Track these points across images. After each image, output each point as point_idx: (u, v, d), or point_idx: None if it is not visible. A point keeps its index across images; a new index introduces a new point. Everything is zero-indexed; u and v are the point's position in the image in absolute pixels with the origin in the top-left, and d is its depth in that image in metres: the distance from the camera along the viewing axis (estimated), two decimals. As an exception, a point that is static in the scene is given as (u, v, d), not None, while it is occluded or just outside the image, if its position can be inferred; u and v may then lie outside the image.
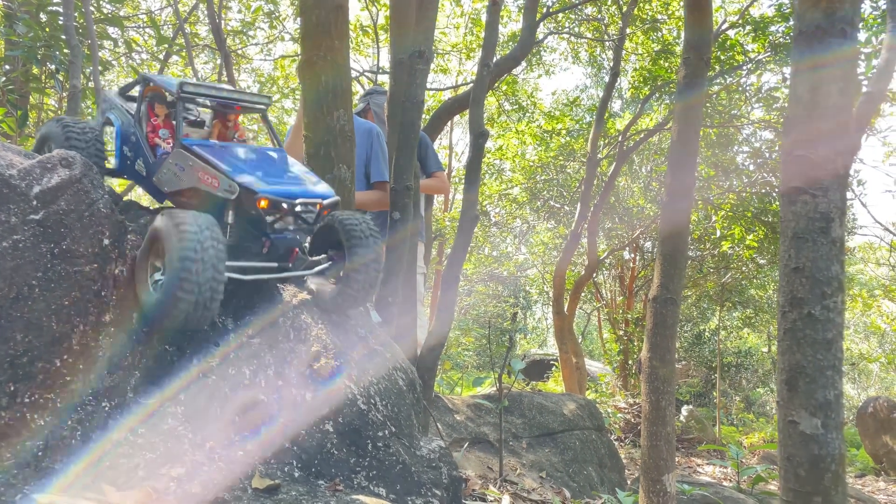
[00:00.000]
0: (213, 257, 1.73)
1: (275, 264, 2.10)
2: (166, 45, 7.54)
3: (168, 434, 1.73)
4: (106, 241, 1.76)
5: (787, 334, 1.79)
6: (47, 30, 6.06)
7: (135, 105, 2.40)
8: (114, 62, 8.90)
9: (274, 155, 2.20)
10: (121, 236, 1.81)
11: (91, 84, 6.31)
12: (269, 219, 1.95)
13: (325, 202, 2.04)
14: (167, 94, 2.31)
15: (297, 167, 2.19)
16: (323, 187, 2.09)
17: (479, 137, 3.94)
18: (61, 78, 6.30)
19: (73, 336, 1.65)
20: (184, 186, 2.08)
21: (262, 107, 2.28)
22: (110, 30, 7.57)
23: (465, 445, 4.32)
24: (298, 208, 1.97)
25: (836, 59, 1.75)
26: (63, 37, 5.31)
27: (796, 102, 1.82)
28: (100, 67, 6.82)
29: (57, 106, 7.99)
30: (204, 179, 1.99)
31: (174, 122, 2.27)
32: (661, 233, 3.29)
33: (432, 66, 12.20)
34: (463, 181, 4.30)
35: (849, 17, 1.75)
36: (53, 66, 6.25)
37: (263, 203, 1.90)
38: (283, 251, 2.08)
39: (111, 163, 2.41)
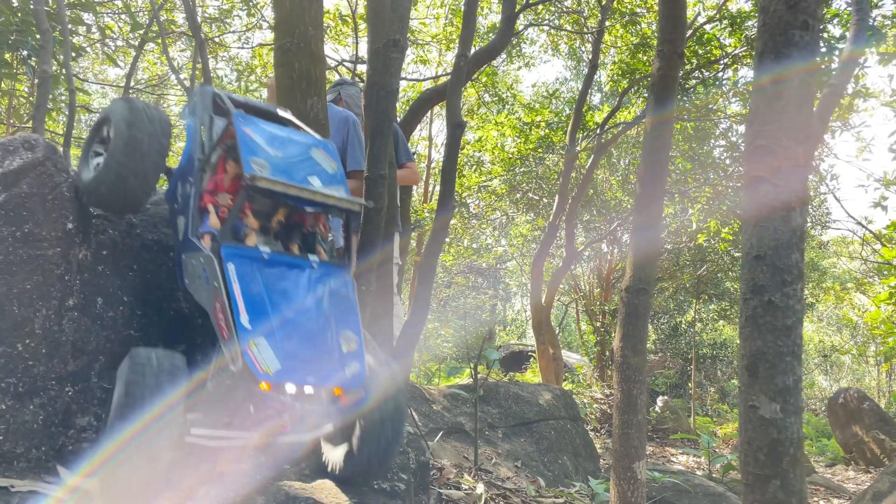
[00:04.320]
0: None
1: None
2: (141, 32, 7.43)
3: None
4: (70, 225, 1.74)
5: (748, 321, 1.83)
6: (19, 15, 5.95)
7: (217, 130, 2.00)
8: (88, 48, 8.75)
9: (327, 298, 1.76)
10: (85, 220, 1.79)
11: (64, 70, 6.20)
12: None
13: (351, 392, 1.68)
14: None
15: (343, 314, 1.77)
16: (356, 368, 1.70)
17: (456, 128, 3.94)
18: (33, 64, 6.19)
19: (36, 320, 1.64)
20: (199, 301, 1.77)
21: (354, 211, 1.91)
22: (84, 15, 7.45)
23: (440, 434, 4.34)
24: (314, 399, 1.62)
25: (798, 50, 1.78)
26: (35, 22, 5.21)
27: (760, 93, 1.85)
28: (73, 53, 6.72)
29: (29, 92, 7.85)
30: (217, 317, 1.67)
31: (238, 197, 1.81)
32: (633, 225, 3.32)
33: (413, 56, 12.18)
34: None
35: (811, 8, 1.77)
36: (25, 52, 6.13)
37: (264, 387, 1.58)
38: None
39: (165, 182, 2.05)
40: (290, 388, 1.58)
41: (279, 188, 1.74)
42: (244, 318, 1.61)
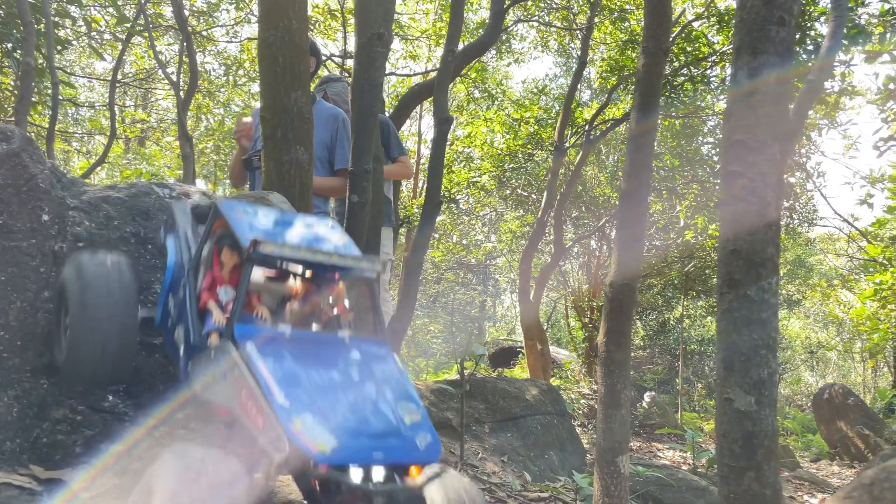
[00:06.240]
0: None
1: None
2: (127, 25, 7.38)
3: (108, 411, 1.71)
4: (45, 217, 1.73)
5: (724, 315, 1.84)
6: (3, 7, 5.89)
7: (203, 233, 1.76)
8: (74, 41, 8.68)
9: (372, 369, 1.52)
10: (61, 212, 1.78)
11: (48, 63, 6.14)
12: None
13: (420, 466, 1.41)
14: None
15: (395, 384, 1.52)
16: (427, 439, 1.44)
17: (443, 123, 3.95)
18: (18, 57, 6.13)
19: (11, 312, 1.63)
20: (220, 403, 1.52)
21: (369, 274, 1.68)
22: (71, 8, 7.39)
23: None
24: (376, 478, 1.34)
25: (774, 46, 1.79)
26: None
27: (736, 88, 1.86)
28: (58, 46, 6.66)
29: (14, 85, 7.78)
30: (245, 409, 1.40)
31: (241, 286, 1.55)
32: (617, 219, 3.34)
33: (402, 52, 12.16)
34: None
35: (787, 5, 1.79)
36: (10, 45, 6.08)
37: (322, 470, 1.31)
38: None
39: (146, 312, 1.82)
40: (356, 472, 1.31)
41: (287, 252, 1.52)
42: (279, 397, 1.34)
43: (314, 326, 1.66)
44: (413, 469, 1.38)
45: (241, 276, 1.51)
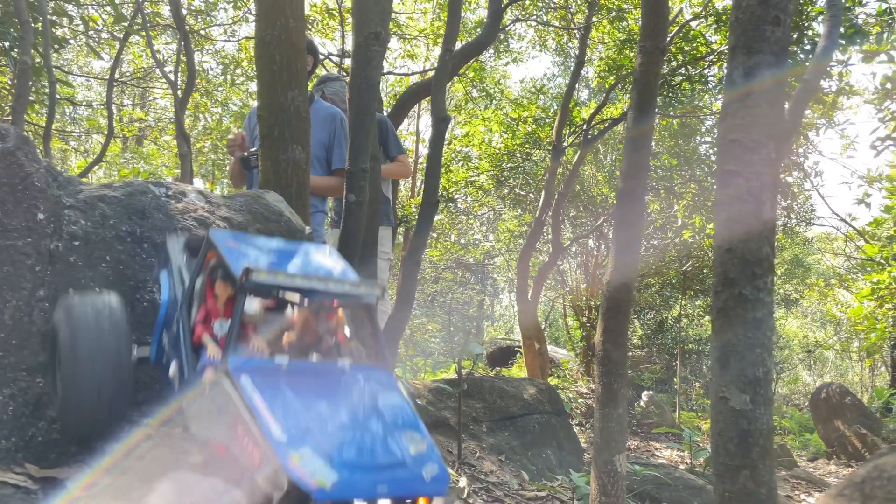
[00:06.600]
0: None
1: None
2: (125, 24, 7.38)
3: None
4: (41, 216, 1.73)
5: (719, 313, 1.85)
6: (0, 5, 5.88)
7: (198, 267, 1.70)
8: (71, 40, 8.67)
9: (374, 398, 1.47)
10: (57, 211, 1.78)
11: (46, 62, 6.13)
12: None
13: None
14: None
15: (399, 413, 1.46)
16: (434, 470, 1.37)
17: (440, 122, 3.95)
18: (15, 55, 6.13)
19: (6, 311, 1.63)
20: (216, 440, 1.46)
21: (368, 300, 1.62)
22: (68, 6, 7.38)
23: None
24: None
25: (769, 45, 1.80)
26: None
27: (732, 88, 1.86)
28: (56, 45, 6.65)
29: (11, 83, 7.76)
30: (242, 445, 1.35)
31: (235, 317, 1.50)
32: (615, 219, 3.34)
33: (400, 51, 12.16)
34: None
35: (782, 4, 1.79)
36: (7, 44, 6.07)
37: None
38: None
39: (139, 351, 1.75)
40: None
41: (281, 279, 1.47)
42: (276, 431, 1.28)
43: (314, 356, 1.59)
44: (420, 502, 1.32)
45: (235, 306, 1.46)
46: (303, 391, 1.39)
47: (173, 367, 1.61)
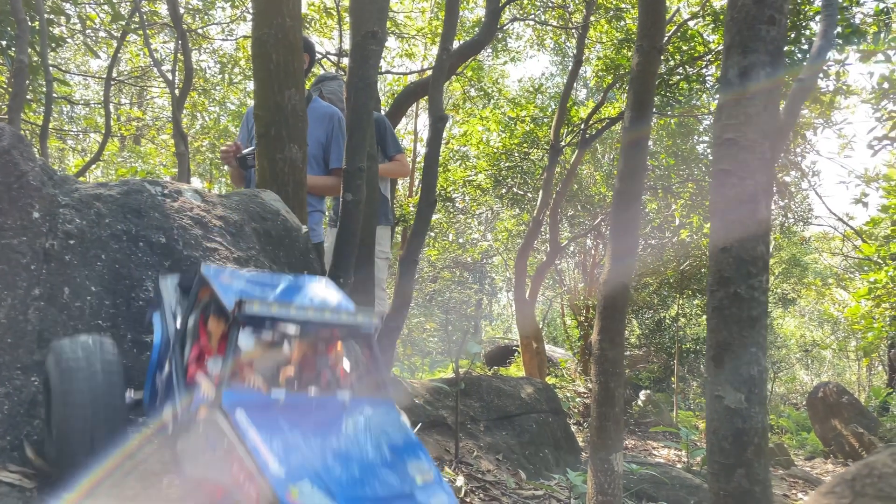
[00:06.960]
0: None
1: None
2: (122, 23, 7.36)
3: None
4: (36, 215, 1.73)
5: (714, 312, 1.85)
6: (-4, 4, 5.87)
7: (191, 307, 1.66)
8: (68, 38, 8.66)
9: (376, 430, 1.44)
10: (52, 210, 1.78)
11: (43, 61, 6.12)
12: None
13: None
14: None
15: (402, 444, 1.43)
16: (443, 499, 1.32)
17: (438, 121, 3.95)
18: (12, 54, 6.11)
19: (0, 309, 1.63)
20: (213, 480, 1.40)
21: (366, 330, 1.58)
22: (65, 5, 7.37)
23: (418, 426, 4.35)
24: None
25: (765, 45, 1.80)
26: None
27: (727, 87, 1.87)
28: (53, 43, 6.64)
29: (8, 82, 7.75)
30: (238, 482, 1.29)
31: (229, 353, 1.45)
32: (612, 218, 3.34)
33: (398, 50, 12.15)
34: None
35: (778, 3, 1.79)
36: (3, 42, 6.06)
37: None
38: None
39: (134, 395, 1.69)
40: None
41: (275, 310, 1.43)
42: (273, 466, 1.23)
43: (312, 390, 1.54)
44: None
45: (228, 339, 1.41)
46: (301, 425, 1.36)
47: (167, 409, 1.56)
